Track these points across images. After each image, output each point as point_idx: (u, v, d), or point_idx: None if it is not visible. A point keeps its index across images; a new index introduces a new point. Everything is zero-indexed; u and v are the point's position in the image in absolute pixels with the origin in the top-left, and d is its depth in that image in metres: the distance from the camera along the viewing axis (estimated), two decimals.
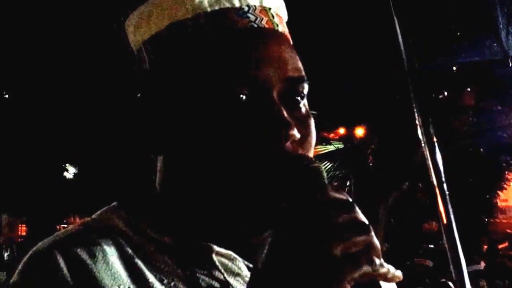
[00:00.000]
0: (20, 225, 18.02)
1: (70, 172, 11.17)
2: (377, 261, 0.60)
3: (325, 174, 0.70)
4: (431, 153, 1.92)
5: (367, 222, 0.62)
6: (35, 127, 9.15)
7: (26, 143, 9.35)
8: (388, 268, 0.61)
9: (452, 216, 1.86)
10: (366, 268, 0.59)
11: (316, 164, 0.69)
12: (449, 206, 1.86)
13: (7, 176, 9.72)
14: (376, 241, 0.62)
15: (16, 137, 9.26)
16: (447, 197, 1.88)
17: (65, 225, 14.80)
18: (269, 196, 0.67)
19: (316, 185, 0.66)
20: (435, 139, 1.93)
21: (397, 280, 0.63)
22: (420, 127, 1.95)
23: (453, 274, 1.81)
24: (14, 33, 7.86)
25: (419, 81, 2.10)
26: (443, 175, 1.90)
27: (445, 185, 1.89)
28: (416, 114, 1.97)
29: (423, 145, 1.93)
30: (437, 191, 1.88)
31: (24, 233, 15.79)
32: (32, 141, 9.30)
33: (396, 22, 2.00)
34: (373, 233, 0.61)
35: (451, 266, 1.81)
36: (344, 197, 0.63)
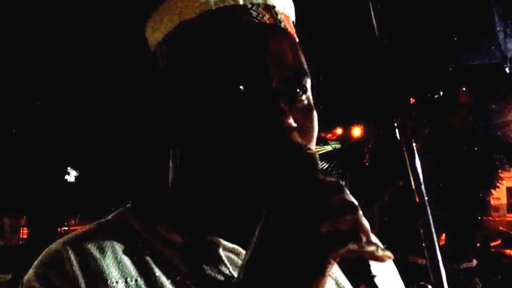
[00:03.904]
0: (21, 228, 18.07)
1: (72, 175, 11.23)
2: (364, 239, 0.62)
3: (318, 160, 0.71)
4: (409, 155, 1.91)
5: (356, 203, 0.63)
6: (37, 130, 9.21)
7: (28, 146, 9.39)
8: (376, 246, 0.63)
9: (431, 220, 1.85)
10: (352, 246, 0.61)
11: (310, 151, 0.72)
12: (428, 208, 1.87)
13: (9, 178, 9.77)
14: (364, 221, 0.63)
15: (18, 140, 9.31)
16: (426, 201, 1.88)
17: (66, 228, 14.92)
18: (266, 183, 0.69)
19: (307, 169, 0.68)
20: (413, 141, 1.91)
21: (387, 259, 0.64)
22: (398, 129, 1.94)
23: (431, 276, 1.83)
24: (19, 33, 7.88)
25: (397, 83, 2.11)
26: (421, 176, 1.88)
27: (423, 187, 1.88)
28: (394, 116, 1.96)
29: (401, 145, 1.91)
30: (416, 194, 1.89)
31: (25, 236, 15.85)
32: (34, 144, 9.35)
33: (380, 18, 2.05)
34: (361, 213, 0.63)
35: (429, 268, 1.83)
36: (333, 179, 0.65)
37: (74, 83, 8.43)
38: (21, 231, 18.32)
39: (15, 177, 9.78)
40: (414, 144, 1.92)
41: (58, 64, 8.23)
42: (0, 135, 9.19)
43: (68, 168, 11.06)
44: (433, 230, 1.88)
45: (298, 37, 0.85)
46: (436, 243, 1.86)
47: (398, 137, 1.95)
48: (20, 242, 15.36)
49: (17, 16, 7.68)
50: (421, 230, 1.88)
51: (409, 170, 1.91)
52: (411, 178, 1.91)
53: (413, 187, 1.91)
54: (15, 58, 8.27)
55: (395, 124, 1.95)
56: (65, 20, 7.56)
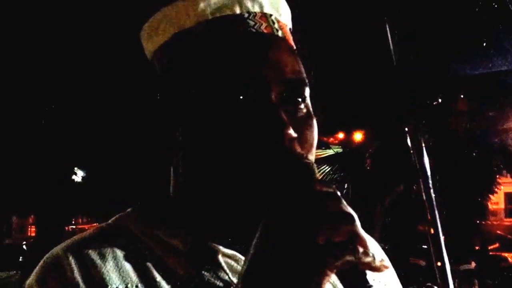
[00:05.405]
0: (29, 227, 18.19)
1: (79, 175, 11.35)
2: (361, 250, 0.60)
3: (316, 170, 0.72)
4: (419, 159, 1.90)
5: (353, 213, 0.63)
6: (45, 131, 9.31)
7: (36, 146, 9.49)
8: (373, 257, 0.61)
9: (439, 223, 1.83)
10: (348, 257, 0.60)
11: (307, 160, 0.72)
12: (436, 214, 1.84)
13: (17, 179, 9.89)
14: (361, 231, 0.62)
15: (26, 140, 9.39)
16: (434, 205, 1.87)
17: (73, 226, 15.04)
18: (265, 192, 0.68)
19: (305, 178, 0.68)
20: (423, 146, 1.91)
21: (384, 269, 0.63)
22: (409, 134, 1.93)
23: (438, 280, 1.81)
24: (28, 33, 7.97)
25: (407, 89, 2.13)
26: (430, 181, 1.88)
27: (432, 192, 1.87)
28: (404, 122, 1.95)
29: (411, 152, 1.90)
30: (424, 198, 1.86)
31: (33, 234, 15.97)
32: (42, 145, 9.44)
33: (387, 28, 1.99)
34: (358, 223, 0.62)
35: (436, 271, 1.80)
36: (331, 190, 0.64)
37: (82, 86, 8.53)
38: (29, 229, 18.46)
39: (23, 176, 9.88)
40: (423, 146, 1.93)
41: (67, 68, 8.32)
42: (8, 136, 9.30)
43: (75, 168, 11.18)
44: (440, 232, 1.88)
45: (299, 43, 0.85)
46: (443, 244, 1.86)
47: (408, 141, 1.94)
48: (25, 241, 15.42)
49: (29, 23, 7.80)
50: (429, 232, 1.87)
51: (419, 173, 1.91)
52: (421, 183, 1.90)
53: (423, 190, 1.90)
54: (23, 61, 8.39)
55: (405, 128, 1.95)
56: (75, 26, 7.68)
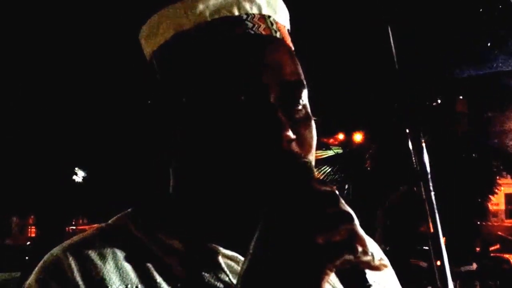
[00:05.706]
0: (29, 227, 18.20)
1: (79, 175, 11.38)
2: (360, 249, 0.61)
3: (314, 169, 0.72)
4: (419, 160, 1.92)
5: (352, 212, 0.63)
6: (46, 132, 9.33)
7: (36, 146, 9.51)
8: (372, 256, 0.62)
9: (439, 224, 1.84)
10: (348, 256, 0.60)
11: (305, 160, 0.73)
12: (436, 215, 1.86)
13: (17, 179, 9.91)
14: (360, 230, 0.62)
15: (26, 140, 9.41)
16: (434, 206, 1.87)
17: (74, 227, 15.05)
18: (264, 193, 0.68)
19: (303, 178, 0.68)
20: (423, 147, 1.92)
21: (383, 268, 0.63)
22: (409, 135, 1.94)
23: (438, 281, 1.83)
24: (28, 34, 7.99)
25: (408, 90, 2.11)
26: (431, 183, 1.89)
27: (432, 194, 1.88)
28: (405, 123, 1.97)
29: (411, 152, 1.92)
30: (425, 199, 1.88)
31: (33, 235, 15.98)
32: (43, 145, 9.46)
33: (389, 31, 2.00)
34: (356, 223, 0.62)
35: (436, 272, 1.83)
36: (330, 189, 0.64)
37: (82, 86, 8.55)
38: (29, 230, 18.45)
39: (23, 177, 9.90)
40: (424, 147, 1.94)
41: (67, 68, 8.35)
42: (8, 136, 9.31)
43: (76, 168, 11.22)
44: (440, 233, 1.89)
45: (297, 44, 0.85)
46: (443, 245, 1.87)
47: (408, 142, 1.94)
48: (29, 242, 15.43)
49: (36, 26, 7.81)
50: (429, 233, 1.88)
51: (419, 174, 1.93)
52: (421, 184, 1.91)
53: (423, 192, 1.92)
54: (23, 61, 8.41)
55: (406, 131, 1.96)
56: (75, 26, 7.70)
